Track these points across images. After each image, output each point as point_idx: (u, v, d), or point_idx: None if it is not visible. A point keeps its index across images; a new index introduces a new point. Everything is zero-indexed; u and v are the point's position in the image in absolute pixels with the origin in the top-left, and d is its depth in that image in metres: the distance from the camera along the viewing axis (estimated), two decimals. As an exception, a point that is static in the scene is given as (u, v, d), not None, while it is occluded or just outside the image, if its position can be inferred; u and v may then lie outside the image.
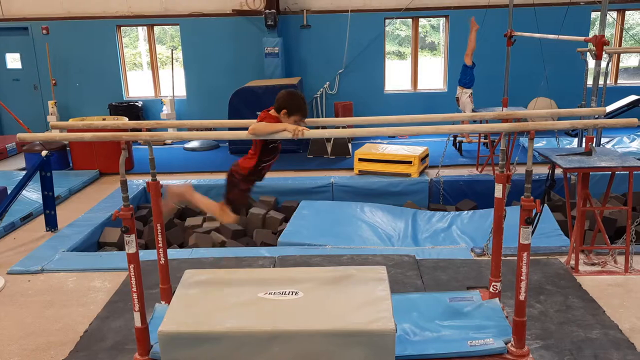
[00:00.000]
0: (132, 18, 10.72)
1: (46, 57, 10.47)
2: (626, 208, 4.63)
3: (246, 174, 3.36)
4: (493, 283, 3.64)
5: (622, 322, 3.61)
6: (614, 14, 10.49)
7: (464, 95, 8.33)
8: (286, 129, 3.00)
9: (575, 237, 4.52)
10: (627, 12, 10.90)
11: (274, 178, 7.37)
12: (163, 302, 3.75)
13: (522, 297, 3.02)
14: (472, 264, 4.59)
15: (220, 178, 7.41)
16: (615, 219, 5.91)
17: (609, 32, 10.84)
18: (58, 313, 4.02)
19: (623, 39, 10.96)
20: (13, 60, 11.15)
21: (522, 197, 2.95)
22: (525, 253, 2.97)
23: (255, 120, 3.17)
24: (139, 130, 3.68)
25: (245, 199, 3.63)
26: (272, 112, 3.16)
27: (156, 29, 11.37)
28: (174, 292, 3.10)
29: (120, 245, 5.71)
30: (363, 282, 2.97)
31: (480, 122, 6.24)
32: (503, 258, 3.68)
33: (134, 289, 3.07)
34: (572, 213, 4.84)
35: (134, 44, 17.05)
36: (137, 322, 3.09)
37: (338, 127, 7.82)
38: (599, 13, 5.47)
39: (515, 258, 3.11)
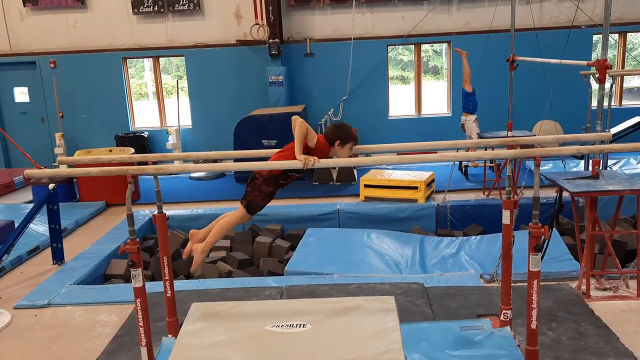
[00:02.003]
0: (138, 50, 10.87)
1: (53, 90, 10.61)
2: (636, 231, 4.58)
3: (274, 174, 3.28)
4: (504, 311, 3.60)
5: (637, 349, 3.54)
6: (616, 36, 10.55)
7: (469, 121, 8.36)
8: (297, 159, 3.03)
9: (585, 261, 4.46)
10: (628, 34, 10.98)
11: (279, 206, 7.36)
12: (170, 336, 3.73)
13: (533, 326, 2.98)
14: (481, 291, 4.54)
15: (227, 207, 7.54)
16: (625, 242, 5.85)
17: (611, 54, 10.89)
18: (65, 348, 3.99)
19: (625, 60, 11.00)
20: (21, 94, 11.31)
21: (530, 224, 2.93)
22: (536, 281, 2.94)
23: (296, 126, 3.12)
24: (145, 163, 3.70)
25: (264, 202, 3.43)
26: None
27: (162, 59, 11.52)
28: (181, 325, 3.07)
29: (126, 277, 5.69)
30: (371, 313, 2.92)
31: (486, 148, 6.26)
32: (513, 284, 3.64)
33: (141, 324, 3.06)
34: (582, 237, 4.79)
35: (140, 74, 17.27)
36: (144, 357, 3.06)
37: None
38: (601, 36, 5.51)
39: (526, 284, 3.07)
